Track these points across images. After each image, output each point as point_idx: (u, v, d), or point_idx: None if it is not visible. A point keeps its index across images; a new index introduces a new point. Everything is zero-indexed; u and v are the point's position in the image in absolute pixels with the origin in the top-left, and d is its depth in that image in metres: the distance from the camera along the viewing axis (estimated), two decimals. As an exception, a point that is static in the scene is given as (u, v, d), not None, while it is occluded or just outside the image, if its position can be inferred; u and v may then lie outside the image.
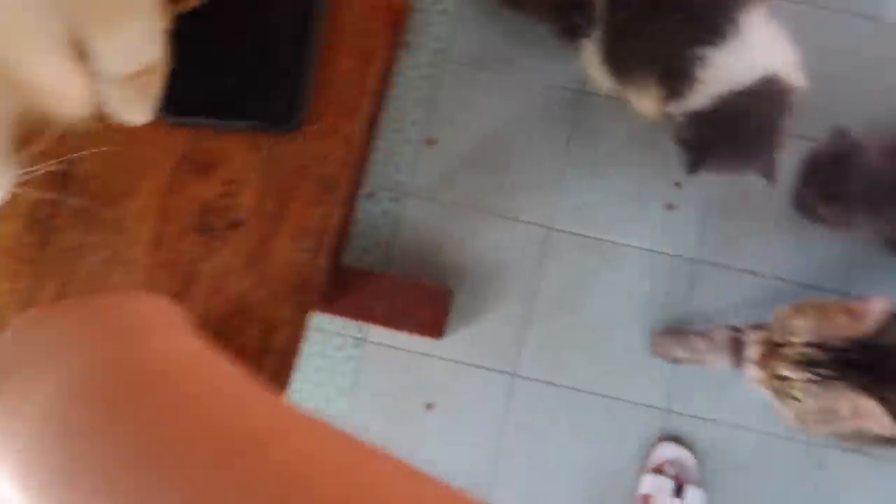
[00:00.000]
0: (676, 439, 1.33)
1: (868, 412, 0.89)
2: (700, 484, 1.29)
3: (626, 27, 1.25)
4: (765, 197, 1.38)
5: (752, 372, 1.01)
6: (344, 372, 1.35)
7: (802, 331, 0.95)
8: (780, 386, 0.96)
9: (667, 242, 1.41)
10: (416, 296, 1.30)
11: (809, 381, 0.92)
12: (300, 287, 0.53)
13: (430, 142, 1.43)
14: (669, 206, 1.43)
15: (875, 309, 0.92)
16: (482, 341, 1.36)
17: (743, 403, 1.34)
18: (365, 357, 1.35)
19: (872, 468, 1.33)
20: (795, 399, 0.95)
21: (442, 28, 1.46)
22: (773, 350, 0.97)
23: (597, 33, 1.28)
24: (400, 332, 1.32)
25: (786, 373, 0.95)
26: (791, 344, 0.96)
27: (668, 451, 1.30)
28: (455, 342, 1.36)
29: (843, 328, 0.93)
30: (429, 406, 1.34)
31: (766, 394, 1.00)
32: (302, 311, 0.53)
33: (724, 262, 1.40)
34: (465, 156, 1.43)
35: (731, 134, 1.17)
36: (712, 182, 1.43)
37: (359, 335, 1.36)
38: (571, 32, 1.33)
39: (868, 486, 1.33)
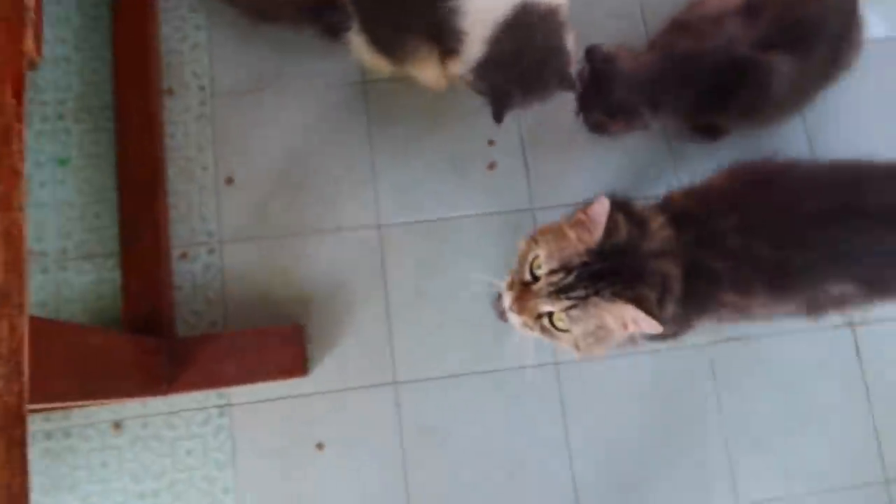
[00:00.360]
0: None
1: (631, 317, 0.87)
2: None
3: (377, 5, 1.21)
4: (575, 129, 1.39)
5: (514, 319, 0.95)
6: (218, 445, 1.25)
7: (543, 260, 0.91)
8: (544, 323, 0.92)
9: (499, 201, 1.40)
10: (265, 342, 1.22)
11: (568, 308, 0.88)
12: (5, 420, 0.45)
13: (228, 181, 1.35)
14: (491, 166, 1.42)
15: (596, 213, 0.88)
16: (351, 361, 1.30)
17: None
18: (236, 422, 1.26)
19: (753, 355, 1.38)
20: (564, 331, 0.91)
21: (200, 64, 1.37)
22: (523, 291, 0.92)
23: (355, 22, 1.24)
24: (262, 384, 1.24)
25: (544, 308, 0.91)
26: (537, 278, 0.91)
27: None
28: (324, 373, 1.29)
29: (578, 243, 0.90)
30: (319, 446, 1.27)
31: (537, 336, 0.95)
32: (16, 445, 0.45)
33: (557, 203, 1.40)
34: (268, 184, 1.35)
35: (518, 69, 1.16)
36: (522, 128, 1.43)
37: (221, 402, 1.27)
38: (332, 30, 1.28)
39: (759, 368, 1.38)
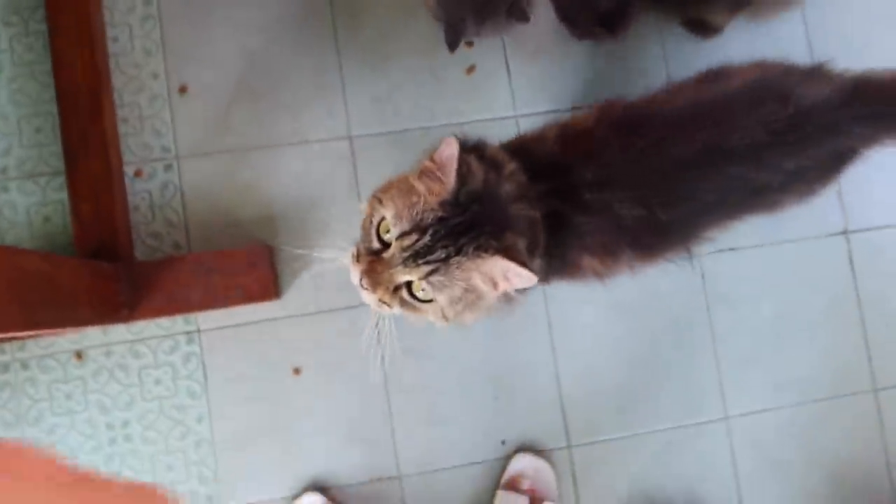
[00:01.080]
0: (532, 450, 1.25)
1: (501, 272, 0.75)
2: (556, 500, 1.20)
3: None
4: (560, 28, 1.27)
5: (367, 297, 0.80)
6: (189, 373, 1.19)
7: (391, 222, 0.76)
8: (404, 296, 0.79)
9: (479, 108, 1.29)
10: (231, 265, 1.14)
11: (428, 274, 0.75)
12: None
13: (182, 90, 1.23)
14: (470, 69, 1.30)
15: (446, 157, 0.75)
16: (327, 282, 1.22)
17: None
18: (206, 349, 1.20)
19: (742, 260, 1.33)
20: (427, 301, 0.78)
21: (141, -46, 1.22)
22: (373, 262, 0.78)
23: None
24: (231, 309, 1.17)
25: (400, 279, 0.77)
26: (387, 244, 0.77)
27: (524, 462, 1.21)
28: (297, 295, 1.22)
29: (429, 196, 0.76)
30: (296, 371, 1.21)
31: (397, 312, 0.81)
32: None
33: (543, 109, 1.30)
34: (226, 92, 1.23)
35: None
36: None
37: (189, 329, 1.20)
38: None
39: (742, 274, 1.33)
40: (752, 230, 1.32)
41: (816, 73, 0.97)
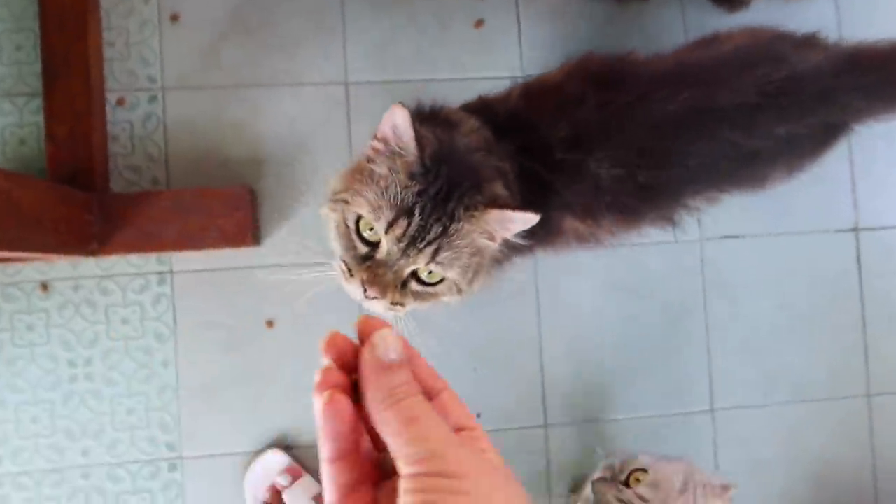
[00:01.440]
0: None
1: (497, 222, 0.70)
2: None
3: None
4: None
5: (379, 306, 0.72)
6: (158, 315, 1.14)
7: (371, 217, 0.69)
8: (414, 288, 0.72)
9: (485, 65, 1.23)
10: (210, 205, 1.08)
11: (434, 254, 0.69)
12: None
13: (174, 18, 1.16)
14: (478, 23, 1.24)
15: (399, 126, 0.68)
16: (310, 233, 1.17)
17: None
18: (178, 291, 1.15)
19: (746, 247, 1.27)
20: (439, 282, 0.73)
21: None
22: (369, 268, 0.70)
23: None
24: (207, 252, 1.11)
25: (406, 270, 0.70)
26: (373, 243, 0.71)
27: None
28: (279, 243, 1.16)
29: (397, 174, 0.69)
30: (269, 323, 1.16)
31: (411, 308, 0.74)
32: None
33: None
34: (220, 24, 1.17)
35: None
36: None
37: (161, 269, 1.14)
38: None
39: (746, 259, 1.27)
40: (757, 217, 1.27)
41: (811, 40, 0.92)
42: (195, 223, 1.07)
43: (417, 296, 0.73)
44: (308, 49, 1.18)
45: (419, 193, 0.68)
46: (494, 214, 0.69)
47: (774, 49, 0.88)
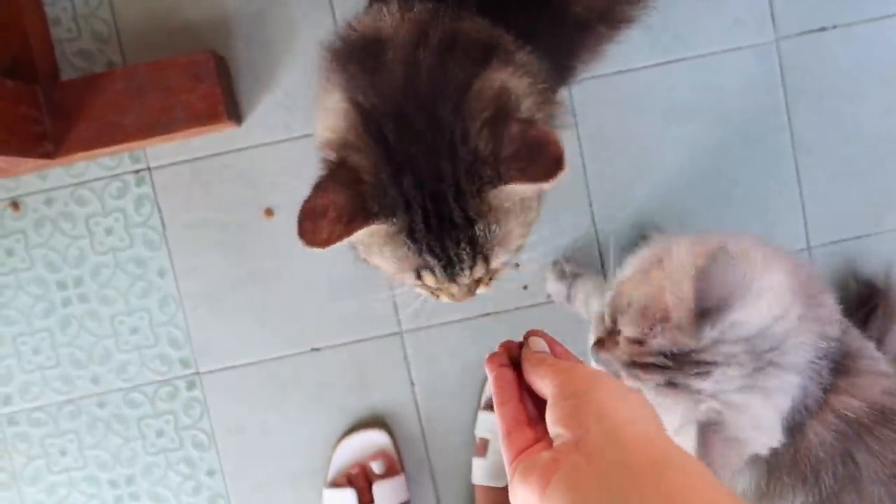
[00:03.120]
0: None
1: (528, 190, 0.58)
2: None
3: None
4: None
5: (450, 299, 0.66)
6: (144, 219, 1.00)
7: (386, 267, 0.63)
8: (487, 282, 0.65)
9: None
10: (168, 79, 0.91)
11: (484, 261, 0.60)
12: None
13: None
14: None
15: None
16: (299, 103, 0.99)
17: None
18: (160, 189, 1.00)
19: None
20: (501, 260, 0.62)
21: None
22: (435, 290, 0.64)
23: None
24: (180, 138, 0.95)
25: (475, 278, 0.63)
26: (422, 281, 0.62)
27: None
28: (263, 118, 0.99)
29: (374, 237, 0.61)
30: (268, 212, 1.00)
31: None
32: None
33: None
34: None
35: None
36: None
37: (137, 167, 0.99)
38: None
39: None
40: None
41: None
42: (156, 103, 0.91)
43: (489, 283, 0.65)
44: None
45: (411, 236, 0.57)
46: (513, 186, 0.55)
47: None
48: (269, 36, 0.98)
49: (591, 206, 1.01)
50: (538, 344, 0.47)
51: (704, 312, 0.57)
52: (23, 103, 0.87)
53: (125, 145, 0.93)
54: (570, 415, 0.40)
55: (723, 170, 1.01)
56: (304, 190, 1.00)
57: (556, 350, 0.48)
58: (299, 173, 1.00)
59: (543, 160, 0.53)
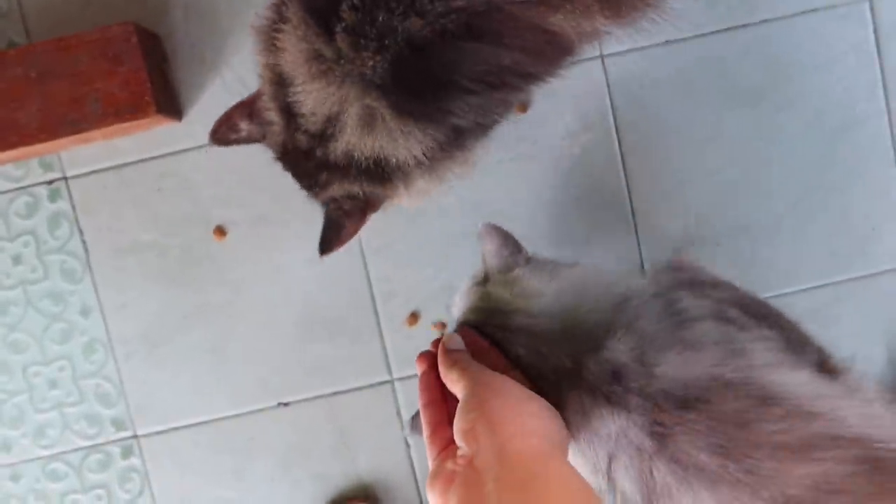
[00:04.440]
0: None
1: None
2: None
3: None
4: None
5: None
6: (60, 243, 0.78)
7: None
8: None
9: None
10: (79, 60, 0.69)
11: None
12: None
13: None
14: None
15: None
16: (249, 85, 0.77)
17: None
18: (81, 204, 0.78)
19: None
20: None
21: None
22: None
23: None
24: (101, 139, 0.74)
25: None
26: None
27: None
28: (211, 110, 0.76)
29: None
30: (219, 231, 0.78)
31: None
32: None
33: None
34: None
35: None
36: None
37: (51, 176, 0.78)
38: None
39: None
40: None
41: None
42: (63, 92, 0.69)
43: None
44: None
45: None
46: None
47: None
48: (214, 4, 0.77)
49: (638, 246, 0.79)
50: (454, 342, 0.47)
51: None
52: None
53: (26, 149, 0.71)
54: (468, 430, 0.41)
55: (801, 171, 0.79)
56: (262, 203, 0.79)
57: (480, 346, 0.48)
58: (256, 182, 0.79)
59: None
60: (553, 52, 0.54)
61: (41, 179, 0.78)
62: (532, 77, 0.56)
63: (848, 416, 0.43)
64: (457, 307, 0.59)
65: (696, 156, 0.79)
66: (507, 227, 0.59)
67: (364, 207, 0.60)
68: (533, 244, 0.59)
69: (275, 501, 0.81)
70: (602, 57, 0.78)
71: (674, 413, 0.42)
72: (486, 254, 0.57)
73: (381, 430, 0.81)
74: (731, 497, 0.41)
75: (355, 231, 0.61)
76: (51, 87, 0.69)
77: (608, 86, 0.78)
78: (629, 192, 0.79)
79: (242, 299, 0.79)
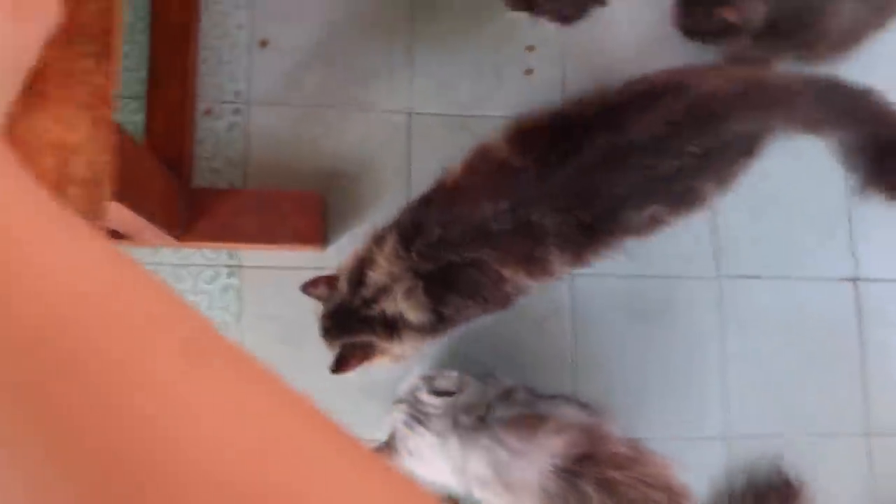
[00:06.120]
0: None
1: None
2: None
3: None
4: (622, 48, 1.38)
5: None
6: (225, 304, 1.23)
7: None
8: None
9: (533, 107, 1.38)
10: (285, 206, 1.20)
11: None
12: (91, 99, 0.44)
13: (263, 43, 1.31)
14: (528, 71, 1.40)
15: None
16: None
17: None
18: (246, 284, 1.24)
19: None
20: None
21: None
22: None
23: None
24: (277, 250, 1.22)
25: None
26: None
27: None
28: (341, 249, 1.27)
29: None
30: (324, 320, 1.26)
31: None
32: (102, 125, 0.44)
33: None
34: (303, 51, 1.32)
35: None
36: (566, 37, 1.41)
37: (232, 262, 1.25)
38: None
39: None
40: (772, 260, 1.40)
41: (715, 68, 1.09)
42: (271, 221, 1.19)
43: None
44: (379, 80, 1.33)
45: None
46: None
47: (678, 81, 0.97)
48: (359, 191, 1.30)
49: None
50: None
51: None
52: (175, 192, 1.13)
53: (235, 245, 1.19)
54: None
55: (665, 362, 1.34)
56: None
57: None
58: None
59: None
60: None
61: (226, 262, 1.24)
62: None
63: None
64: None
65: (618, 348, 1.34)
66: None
67: (367, 353, 0.99)
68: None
69: None
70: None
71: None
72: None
73: None
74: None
75: (354, 368, 0.99)
76: (265, 215, 1.19)
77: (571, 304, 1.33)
78: (574, 364, 1.32)
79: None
